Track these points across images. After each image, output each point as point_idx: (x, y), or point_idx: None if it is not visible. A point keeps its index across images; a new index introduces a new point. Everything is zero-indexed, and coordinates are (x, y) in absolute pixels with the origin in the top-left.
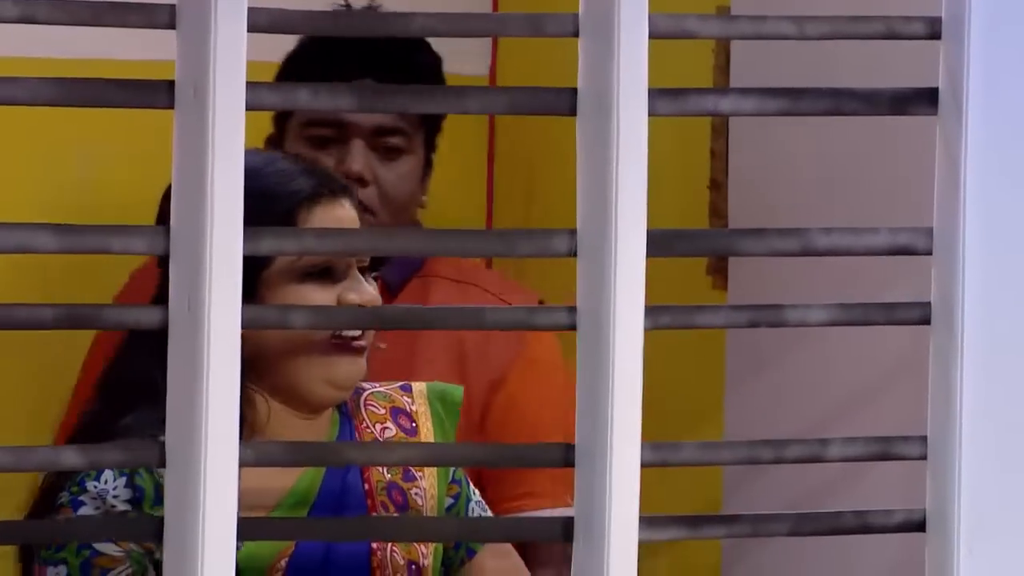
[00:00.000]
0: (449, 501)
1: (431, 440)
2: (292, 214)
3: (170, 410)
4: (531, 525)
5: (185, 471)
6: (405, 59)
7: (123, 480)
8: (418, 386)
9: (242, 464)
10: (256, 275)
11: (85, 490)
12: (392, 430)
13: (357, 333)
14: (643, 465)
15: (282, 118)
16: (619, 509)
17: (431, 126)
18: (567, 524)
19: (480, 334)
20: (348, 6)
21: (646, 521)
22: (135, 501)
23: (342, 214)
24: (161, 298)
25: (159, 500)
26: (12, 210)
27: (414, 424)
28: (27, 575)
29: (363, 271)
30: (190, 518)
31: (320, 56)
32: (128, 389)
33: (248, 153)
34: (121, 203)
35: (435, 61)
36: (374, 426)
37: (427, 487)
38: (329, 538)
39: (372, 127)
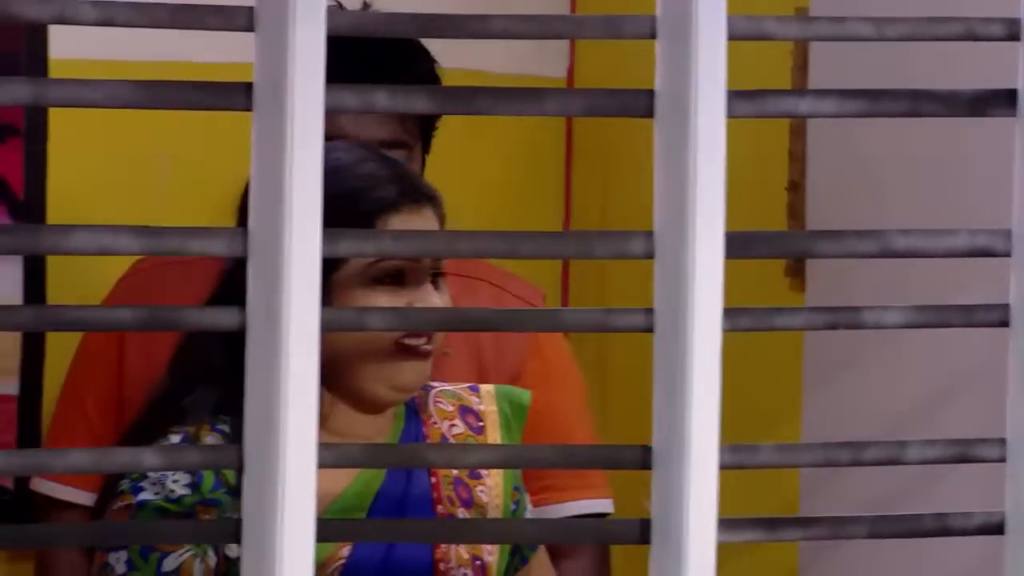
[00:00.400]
0: (512, 507)
1: (497, 439)
2: (371, 220)
3: (248, 412)
4: (608, 528)
5: (263, 473)
6: (404, 67)
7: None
8: (486, 387)
9: (321, 466)
10: (327, 277)
11: (145, 476)
12: (460, 427)
13: (423, 339)
14: (721, 467)
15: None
16: (697, 511)
17: (428, 133)
18: (644, 526)
19: (493, 334)
20: (340, 6)
21: (724, 523)
22: (194, 485)
23: (421, 224)
24: (221, 299)
25: (218, 485)
26: (95, 212)
27: (481, 423)
28: (88, 559)
29: (437, 279)
30: (268, 520)
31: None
32: (192, 369)
33: (340, 149)
34: (201, 205)
35: (432, 67)
36: (442, 422)
37: (492, 486)
38: (406, 539)
39: (375, 142)
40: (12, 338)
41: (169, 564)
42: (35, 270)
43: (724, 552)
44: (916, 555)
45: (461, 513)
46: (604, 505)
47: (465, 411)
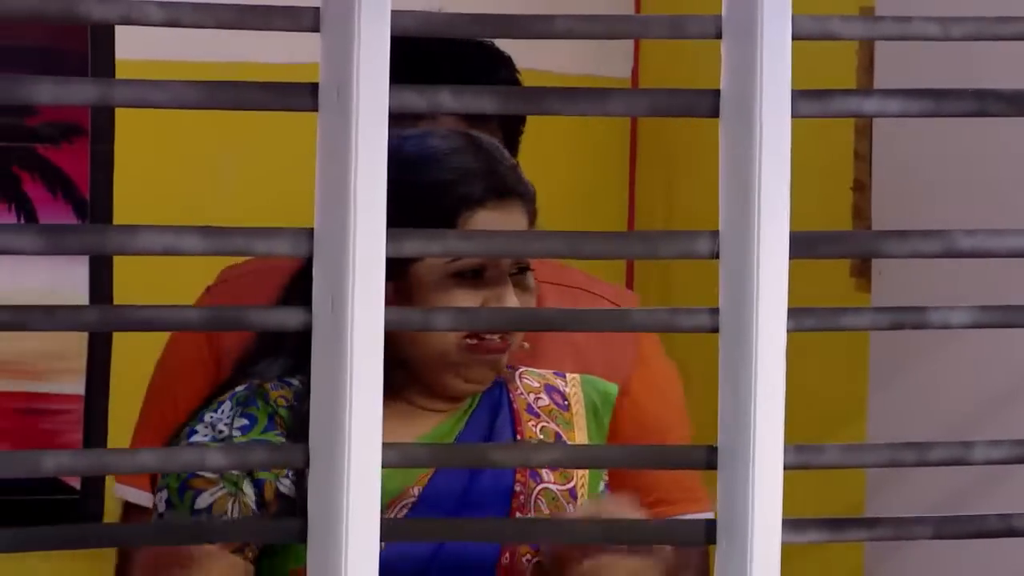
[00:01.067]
0: (602, 487)
1: (581, 420)
2: (454, 214)
3: (313, 412)
4: (675, 528)
5: (328, 472)
6: (490, 78)
7: (238, 410)
8: (572, 375)
9: (385, 465)
10: (405, 270)
11: (201, 420)
12: (545, 400)
13: (496, 337)
14: (786, 467)
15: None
16: (762, 511)
17: (513, 139)
18: (710, 527)
19: (593, 338)
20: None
21: (789, 524)
22: (245, 428)
23: (506, 220)
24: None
25: (271, 427)
26: (160, 212)
27: (567, 402)
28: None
29: (523, 275)
30: (333, 519)
31: (401, 73)
32: (257, 344)
33: (437, 136)
34: (265, 205)
35: (515, 75)
36: (528, 395)
37: (578, 476)
38: (470, 538)
39: None
40: (78, 338)
41: (202, 502)
42: (101, 269)
43: (789, 552)
44: (983, 556)
45: (544, 472)
46: (710, 517)
47: (551, 389)
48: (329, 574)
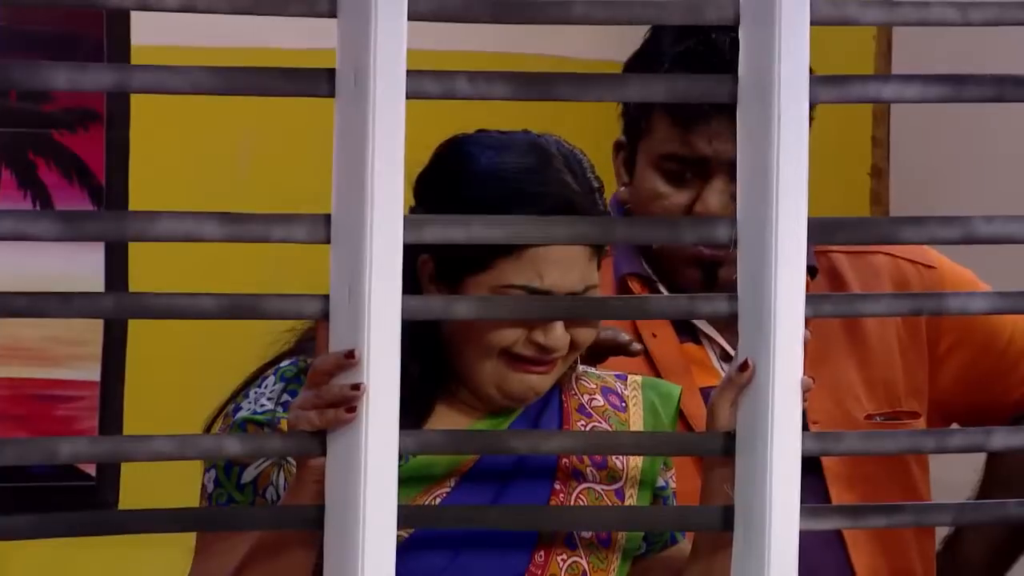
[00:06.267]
0: (660, 483)
1: (639, 421)
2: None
3: None
4: (691, 514)
5: (346, 459)
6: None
7: (282, 385)
8: (633, 376)
9: (402, 452)
10: (465, 277)
11: (246, 396)
12: (600, 400)
13: (531, 354)
14: (804, 454)
15: (634, 135)
16: (780, 498)
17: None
18: (727, 513)
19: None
20: None
21: (807, 510)
22: (286, 406)
23: (559, 254)
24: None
25: None
26: (176, 199)
27: (624, 403)
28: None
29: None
30: (351, 505)
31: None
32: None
33: (511, 150)
34: (280, 192)
35: None
36: (582, 395)
37: (631, 456)
38: (493, 525)
39: (732, 160)
40: (94, 324)
41: (248, 475)
42: (116, 255)
43: None
44: None
45: (589, 472)
46: None
47: (607, 391)
48: (346, 561)
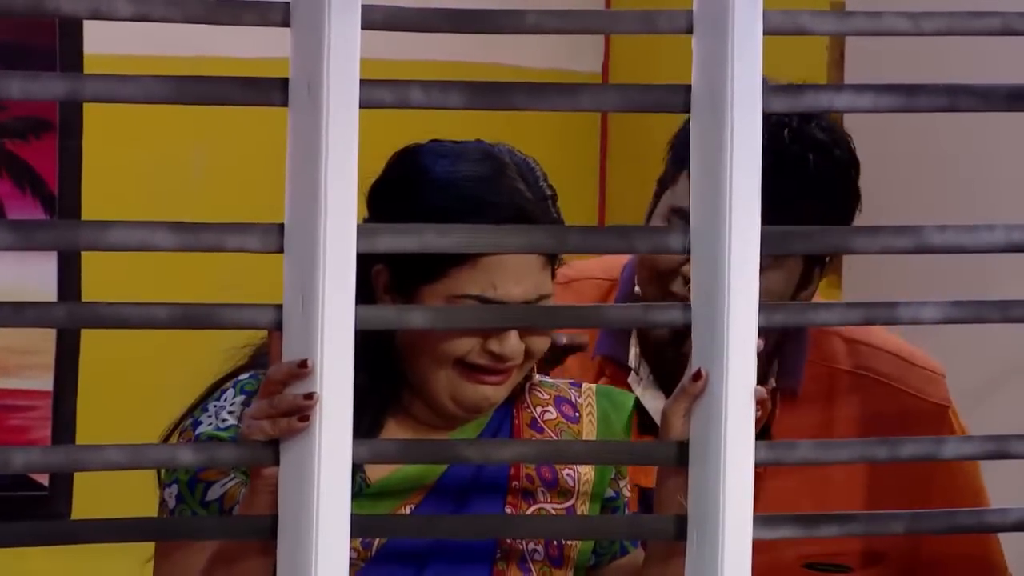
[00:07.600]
0: (610, 493)
1: (592, 431)
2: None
3: None
4: (644, 523)
5: (299, 469)
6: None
7: (241, 398)
8: (587, 386)
9: (356, 462)
10: (420, 286)
11: (205, 410)
12: (552, 413)
13: (485, 363)
14: (757, 463)
15: (663, 185)
16: (733, 507)
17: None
18: (680, 522)
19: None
20: None
21: (760, 519)
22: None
23: (513, 261)
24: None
25: None
26: (129, 208)
27: (577, 413)
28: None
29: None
30: (304, 514)
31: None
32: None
33: (465, 159)
34: (234, 201)
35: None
36: (534, 408)
37: (583, 471)
38: (449, 535)
39: None
40: (47, 334)
41: (213, 493)
42: (69, 265)
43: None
44: None
45: (539, 492)
46: None
47: (561, 400)
48: (299, 570)
